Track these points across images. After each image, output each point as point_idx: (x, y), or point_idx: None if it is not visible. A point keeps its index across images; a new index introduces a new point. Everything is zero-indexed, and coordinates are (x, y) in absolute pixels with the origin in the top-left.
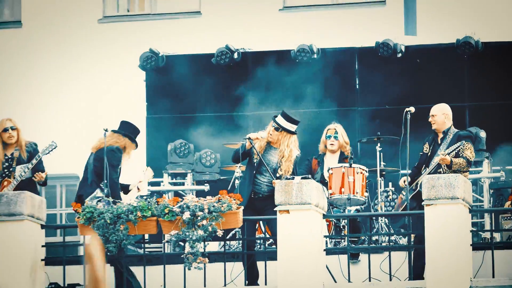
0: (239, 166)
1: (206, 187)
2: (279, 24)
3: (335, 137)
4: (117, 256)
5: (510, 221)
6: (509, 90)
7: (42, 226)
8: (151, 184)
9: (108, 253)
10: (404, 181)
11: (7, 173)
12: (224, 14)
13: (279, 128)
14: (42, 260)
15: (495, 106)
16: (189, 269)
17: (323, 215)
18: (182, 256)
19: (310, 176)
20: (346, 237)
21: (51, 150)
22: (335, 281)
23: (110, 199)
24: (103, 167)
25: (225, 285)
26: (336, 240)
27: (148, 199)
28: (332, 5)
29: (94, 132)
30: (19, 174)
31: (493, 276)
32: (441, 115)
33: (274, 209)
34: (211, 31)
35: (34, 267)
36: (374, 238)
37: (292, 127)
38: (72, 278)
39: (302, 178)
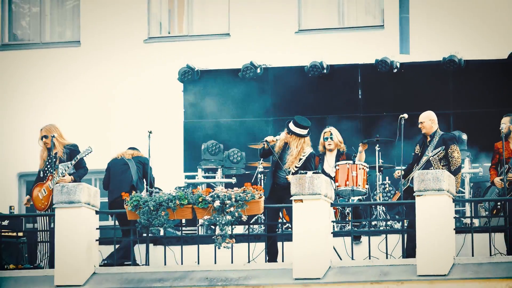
0: (261, 163)
1: (233, 180)
2: (294, 44)
3: (331, 138)
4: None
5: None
6: (487, 100)
7: (96, 212)
8: (188, 177)
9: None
10: (398, 173)
11: (50, 170)
12: (249, 36)
13: (290, 132)
14: (96, 240)
15: (475, 113)
16: (219, 248)
17: (331, 203)
18: (213, 237)
19: (320, 171)
20: (350, 222)
21: (87, 154)
22: (341, 259)
23: (154, 189)
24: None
25: (249, 261)
26: (342, 224)
27: (185, 190)
28: (339, 29)
29: (139, 135)
30: (61, 172)
31: (473, 255)
32: (428, 121)
33: (290, 198)
34: (238, 50)
35: (90, 246)
36: (373, 223)
37: (301, 131)
38: None
39: (313, 173)
